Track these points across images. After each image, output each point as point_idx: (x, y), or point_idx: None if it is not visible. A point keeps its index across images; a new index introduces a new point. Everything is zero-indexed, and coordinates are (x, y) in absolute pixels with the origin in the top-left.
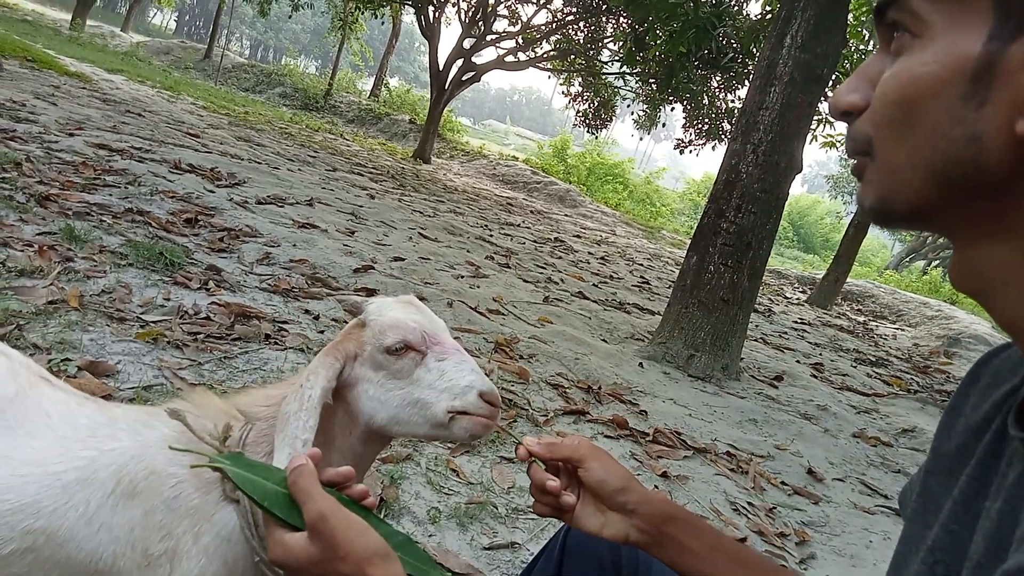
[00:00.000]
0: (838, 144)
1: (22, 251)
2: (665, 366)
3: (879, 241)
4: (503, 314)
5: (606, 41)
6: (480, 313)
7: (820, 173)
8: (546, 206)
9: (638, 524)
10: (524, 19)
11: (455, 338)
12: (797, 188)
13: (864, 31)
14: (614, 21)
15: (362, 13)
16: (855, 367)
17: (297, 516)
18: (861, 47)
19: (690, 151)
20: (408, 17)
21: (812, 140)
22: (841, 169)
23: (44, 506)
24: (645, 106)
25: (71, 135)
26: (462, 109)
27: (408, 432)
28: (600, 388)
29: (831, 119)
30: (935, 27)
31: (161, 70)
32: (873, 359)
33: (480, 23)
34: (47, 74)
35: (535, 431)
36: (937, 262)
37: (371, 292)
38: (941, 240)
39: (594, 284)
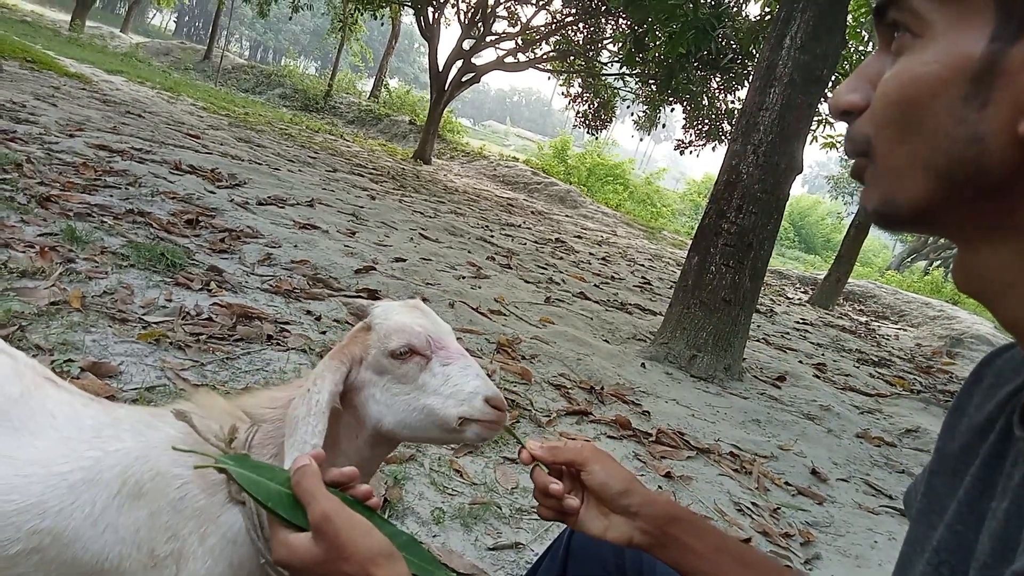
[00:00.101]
0: (838, 145)
1: (23, 252)
2: (667, 366)
3: (880, 242)
4: (505, 315)
5: (605, 42)
6: (482, 314)
7: (821, 174)
8: (547, 207)
9: (642, 526)
10: (523, 20)
11: (457, 338)
12: (798, 189)
13: (863, 32)
14: (613, 22)
15: (362, 14)
16: (858, 367)
17: (301, 516)
18: (860, 48)
19: (690, 152)
20: (407, 18)
21: (812, 141)
22: (842, 170)
23: (50, 506)
24: (645, 107)
25: (71, 136)
26: (462, 110)
27: (415, 436)
28: (603, 389)
29: (831, 120)
30: (936, 27)
31: (161, 71)
32: (876, 359)
33: (479, 24)
34: (47, 75)
35: (538, 432)
36: (939, 262)
37: (372, 293)
38: (942, 241)
39: (595, 284)
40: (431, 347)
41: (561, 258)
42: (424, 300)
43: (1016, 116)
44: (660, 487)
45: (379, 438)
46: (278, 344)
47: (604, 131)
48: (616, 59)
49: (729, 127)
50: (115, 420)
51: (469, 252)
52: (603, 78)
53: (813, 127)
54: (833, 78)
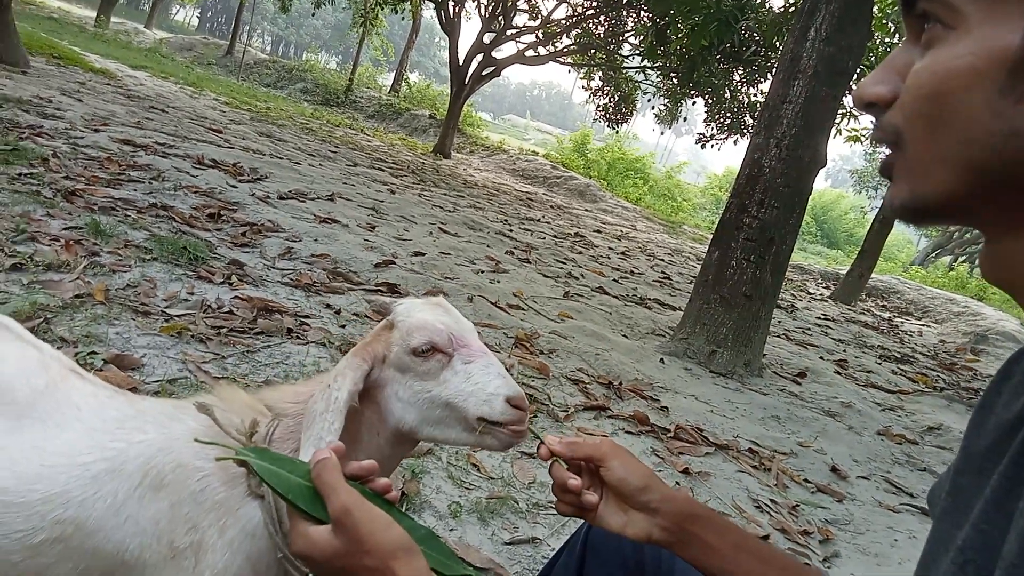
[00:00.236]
0: (863, 138)
1: (49, 245)
2: (686, 362)
3: (904, 236)
4: (523, 309)
5: (627, 35)
6: (500, 308)
7: (844, 168)
8: (566, 201)
9: (661, 523)
10: (544, 13)
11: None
12: (821, 183)
13: (890, 23)
14: (635, 15)
15: (383, 9)
16: (880, 364)
17: (321, 509)
18: (887, 40)
19: (712, 145)
20: (428, 12)
21: (836, 134)
22: (866, 164)
23: (73, 496)
24: (666, 100)
25: (96, 131)
26: (482, 104)
27: (437, 436)
28: (621, 384)
29: (855, 113)
30: (971, 19)
31: (184, 66)
32: (898, 356)
33: (500, 18)
34: (73, 71)
35: (556, 427)
36: (963, 258)
37: (392, 287)
38: (968, 235)
39: (614, 279)
40: (453, 345)
41: (580, 252)
42: (443, 294)
43: None
44: (678, 483)
45: (400, 436)
46: (298, 338)
47: (624, 125)
48: (637, 52)
49: (751, 120)
50: (139, 412)
51: (488, 246)
52: (624, 71)
53: (837, 120)
54: (859, 70)
